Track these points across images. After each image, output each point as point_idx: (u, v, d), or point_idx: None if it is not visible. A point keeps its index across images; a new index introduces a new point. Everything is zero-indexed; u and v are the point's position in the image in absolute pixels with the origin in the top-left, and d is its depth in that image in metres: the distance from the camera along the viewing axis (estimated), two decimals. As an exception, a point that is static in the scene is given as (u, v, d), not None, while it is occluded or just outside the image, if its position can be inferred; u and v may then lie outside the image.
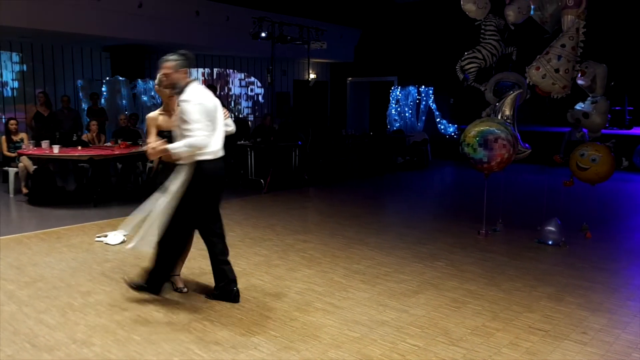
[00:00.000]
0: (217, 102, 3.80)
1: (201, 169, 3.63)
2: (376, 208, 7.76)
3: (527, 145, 6.27)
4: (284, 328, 3.47)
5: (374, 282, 4.38)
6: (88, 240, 5.63)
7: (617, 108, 11.43)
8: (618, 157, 6.04)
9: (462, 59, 6.23)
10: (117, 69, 11.83)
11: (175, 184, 3.62)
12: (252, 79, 15.12)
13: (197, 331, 3.43)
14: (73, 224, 6.33)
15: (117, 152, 7.65)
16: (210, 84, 10.80)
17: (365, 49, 15.55)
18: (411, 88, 14.09)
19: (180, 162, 3.62)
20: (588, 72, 5.78)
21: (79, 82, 11.48)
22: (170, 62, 3.64)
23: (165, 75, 3.66)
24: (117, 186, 8.74)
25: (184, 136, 3.55)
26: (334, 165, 11.57)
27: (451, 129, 13.73)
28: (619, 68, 9.77)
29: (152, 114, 4.03)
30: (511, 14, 6.05)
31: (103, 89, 11.36)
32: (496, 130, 5.58)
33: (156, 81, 3.87)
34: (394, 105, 14.32)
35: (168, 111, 3.95)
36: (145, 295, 4.04)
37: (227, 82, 14.71)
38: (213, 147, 3.67)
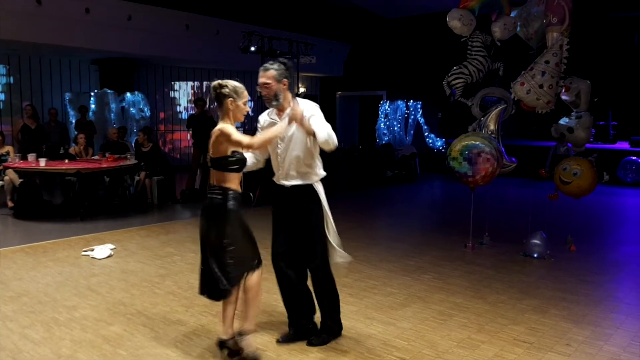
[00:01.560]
0: None
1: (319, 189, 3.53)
2: (365, 221, 7.79)
3: (513, 159, 6.36)
4: (270, 343, 3.47)
5: (361, 296, 4.39)
6: (74, 255, 5.59)
7: (601, 123, 11.64)
8: (600, 171, 6.14)
9: (449, 74, 6.32)
10: (105, 81, 11.84)
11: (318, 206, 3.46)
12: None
13: (184, 345, 3.42)
14: (59, 238, 6.28)
15: (104, 166, 7.63)
16: (199, 97, 10.82)
17: (355, 63, 15.71)
18: (400, 102, 14.23)
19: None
20: (572, 88, 5.90)
21: (67, 95, 11.45)
22: (271, 70, 3.22)
23: (266, 85, 3.22)
24: (104, 200, 8.69)
25: (293, 154, 3.32)
26: (323, 179, 11.58)
27: (439, 143, 13.86)
28: (602, 84, 10.00)
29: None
30: (497, 31, 6.17)
31: (91, 101, 11.34)
32: (480, 145, 5.66)
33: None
34: (382, 119, 14.44)
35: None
36: (132, 310, 4.02)
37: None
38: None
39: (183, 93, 14.14)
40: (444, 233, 6.80)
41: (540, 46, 6.12)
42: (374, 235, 6.99)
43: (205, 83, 14.40)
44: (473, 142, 5.73)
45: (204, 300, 3.96)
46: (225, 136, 3.02)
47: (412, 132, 14.19)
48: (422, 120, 14.14)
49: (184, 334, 3.59)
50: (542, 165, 9.72)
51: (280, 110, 3.33)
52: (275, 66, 3.23)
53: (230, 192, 3.10)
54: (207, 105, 10.75)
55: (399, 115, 14.29)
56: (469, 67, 6.17)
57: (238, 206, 3.12)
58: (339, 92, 16.57)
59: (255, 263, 3.17)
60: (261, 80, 3.23)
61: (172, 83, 13.79)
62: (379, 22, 14.86)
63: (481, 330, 3.68)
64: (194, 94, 14.04)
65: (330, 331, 3.48)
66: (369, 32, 15.20)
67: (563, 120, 5.96)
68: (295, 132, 3.27)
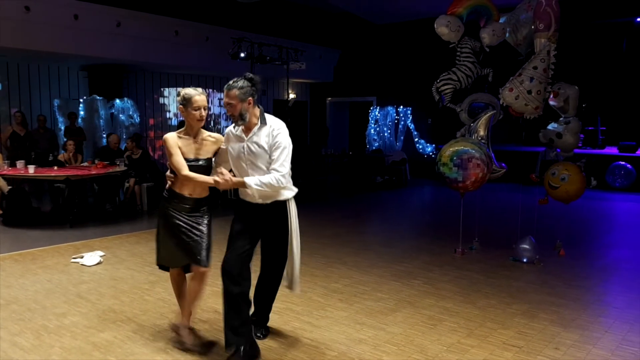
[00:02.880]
0: None
1: (290, 208, 3.43)
2: (355, 227, 7.81)
3: (503, 164, 6.42)
4: (261, 348, 3.46)
5: (352, 301, 4.40)
6: (64, 262, 5.55)
7: (590, 128, 11.77)
8: (589, 177, 6.20)
9: (438, 80, 6.37)
10: (94, 88, 11.78)
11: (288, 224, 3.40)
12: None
13: (174, 352, 3.40)
14: (48, 245, 6.24)
15: (94, 172, 7.58)
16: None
17: (345, 69, 15.77)
18: (390, 108, 14.30)
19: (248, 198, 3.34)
20: (560, 94, 5.97)
21: (56, 101, 11.38)
22: (234, 90, 3.17)
23: (230, 104, 3.19)
24: (94, 207, 8.64)
25: (257, 169, 3.24)
26: (314, 185, 11.61)
27: (429, 149, 13.93)
28: (591, 90, 10.12)
29: (171, 135, 3.39)
30: (486, 37, 6.23)
31: (80, 108, 11.28)
32: (470, 150, 5.71)
33: (179, 99, 3.41)
34: (373, 125, 14.50)
35: (190, 135, 3.38)
36: (122, 317, 4.00)
37: (207, 102, 14.73)
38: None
39: (173, 99, 14.11)
40: (434, 238, 6.84)
41: (529, 52, 6.19)
42: (365, 240, 7.00)
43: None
44: (463, 147, 5.78)
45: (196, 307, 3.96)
46: (167, 150, 3.32)
47: (402, 137, 14.25)
48: (412, 126, 14.21)
49: (174, 341, 3.57)
50: (532, 171, 9.81)
51: (248, 128, 3.27)
52: (239, 84, 3.17)
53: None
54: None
55: (389, 121, 14.36)
56: (458, 73, 6.22)
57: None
58: (329, 98, 16.61)
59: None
60: (225, 100, 3.21)
61: (162, 89, 13.76)
62: (368, 28, 14.95)
63: (470, 335, 3.70)
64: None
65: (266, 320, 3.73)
66: (359, 38, 15.28)
67: (551, 126, 6.02)
68: (250, 147, 3.24)
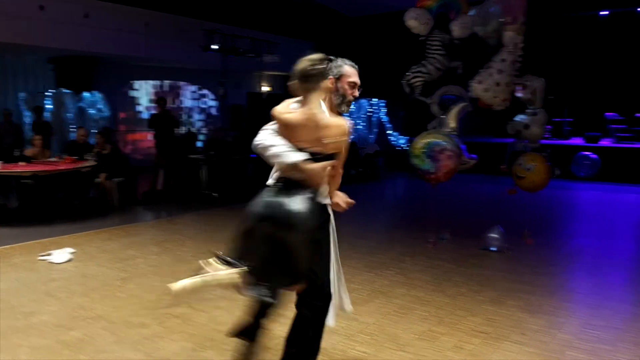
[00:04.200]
0: None
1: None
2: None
3: (474, 155, 6.52)
4: (235, 341, 3.47)
5: (325, 293, 4.43)
6: (31, 259, 5.43)
7: (557, 119, 12.04)
8: (555, 166, 6.37)
9: (408, 72, 6.43)
10: (62, 81, 11.51)
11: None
12: (205, 91, 15.02)
13: (147, 349, 3.39)
14: (15, 243, 6.09)
15: (62, 168, 7.43)
16: (160, 97, 10.66)
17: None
18: (363, 101, 14.36)
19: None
20: (528, 86, 6.09)
21: (21, 94, 11.09)
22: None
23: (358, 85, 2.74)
24: (62, 203, 8.47)
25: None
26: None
27: (402, 141, 14.06)
28: (558, 82, 10.35)
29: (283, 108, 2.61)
30: (456, 29, 6.29)
31: (47, 102, 11.02)
32: (442, 142, 5.79)
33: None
34: (346, 118, 14.55)
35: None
36: (92, 314, 3.96)
37: (179, 95, 14.56)
38: None
39: (144, 92, 13.90)
40: (407, 229, 6.93)
41: (498, 45, 6.28)
42: (338, 233, 7.02)
43: (166, 82, 14.18)
44: (434, 139, 5.86)
45: (167, 302, 3.93)
46: (343, 142, 2.56)
47: (375, 130, 14.34)
48: (385, 119, 14.31)
49: (146, 337, 3.56)
50: (502, 162, 9.98)
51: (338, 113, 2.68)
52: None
53: None
54: (168, 105, 10.61)
55: (363, 114, 14.42)
56: (428, 65, 6.28)
57: None
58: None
59: None
60: (356, 80, 2.76)
61: (132, 82, 13.53)
62: (342, 20, 14.95)
63: (441, 323, 3.78)
64: (156, 92, 13.80)
65: None
66: (332, 30, 15.26)
67: (519, 117, 6.15)
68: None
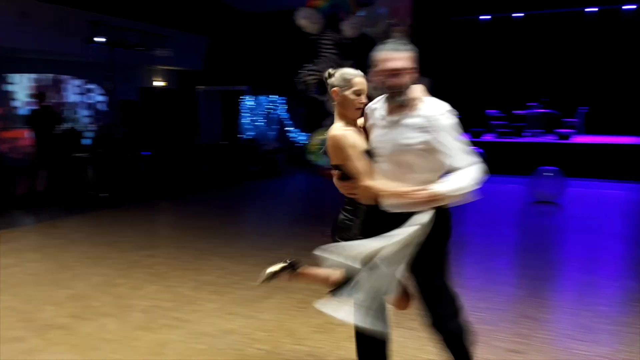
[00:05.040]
0: None
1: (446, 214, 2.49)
2: (229, 218, 7.71)
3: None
4: (124, 349, 3.29)
5: (223, 292, 4.35)
6: None
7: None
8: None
9: (303, 71, 6.50)
10: None
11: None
12: (92, 85, 14.07)
13: (22, 364, 3.10)
14: None
15: None
16: (40, 92, 9.82)
17: (215, 57, 15.40)
18: (262, 97, 14.29)
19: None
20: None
21: None
22: (405, 51, 2.32)
23: (401, 71, 2.30)
24: None
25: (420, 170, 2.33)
26: (186, 176, 11.25)
27: (301, 138, 14.19)
28: (444, 82, 11.00)
29: (341, 132, 2.45)
30: (347, 29, 6.47)
31: None
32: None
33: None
34: (246, 114, 14.40)
35: (354, 126, 2.53)
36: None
37: (61, 89, 13.50)
38: None
39: (21, 86, 12.71)
40: (307, 224, 6.99)
41: (387, 45, 6.54)
42: (239, 230, 6.95)
43: (48, 75, 13.08)
44: (329, 135, 5.97)
45: (50, 313, 3.65)
46: (344, 152, 2.43)
47: (275, 127, 14.34)
48: (285, 115, 14.36)
49: (24, 352, 3.25)
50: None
51: (398, 108, 2.34)
52: (409, 46, 2.33)
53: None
54: (48, 100, 9.80)
55: (262, 110, 14.37)
56: (321, 64, 6.39)
57: None
58: (200, 87, 16.14)
59: None
60: (394, 64, 2.28)
61: (8, 75, 12.32)
62: (237, 15, 14.74)
63: (338, 314, 3.85)
64: (35, 87, 12.68)
65: None
66: (228, 26, 15.01)
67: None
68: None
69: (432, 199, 2.18)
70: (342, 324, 3.64)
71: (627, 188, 9.48)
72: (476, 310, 3.97)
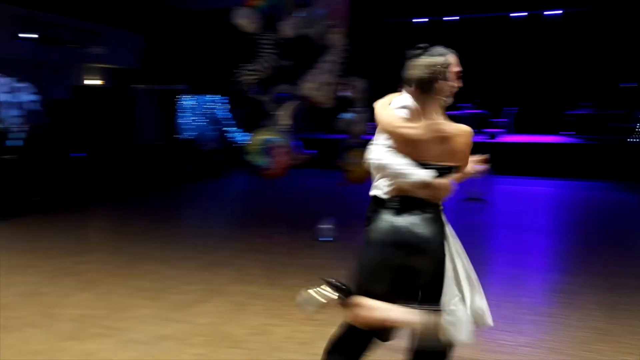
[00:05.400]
0: None
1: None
2: (166, 220, 7.53)
3: (310, 151, 6.78)
4: (50, 361, 3.16)
5: (157, 297, 4.25)
6: None
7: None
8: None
9: (242, 70, 6.45)
10: None
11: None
12: (20, 84, 13.34)
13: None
14: None
15: None
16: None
17: (152, 55, 14.99)
18: (203, 97, 14.06)
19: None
20: (352, 86, 6.52)
21: None
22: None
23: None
24: None
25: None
26: (122, 178, 10.89)
27: (242, 138, 14.07)
28: (382, 83, 11.21)
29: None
30: (286, 29, 6.46)
31: None
32: (276, 139, 5.92)
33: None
34: (186, 114, 14.12)
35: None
36: None
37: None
38: None
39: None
40: (246, 226, 6.96)
41: (325, 46, 6.60)
42: (175, 233, 6.80)
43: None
44: (269, 136, 5.97)
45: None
46: (467, 149, 2.31)
47: (216, 127, 14.15)
48: (226, 115, 14.19)
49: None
50: (337, 157, 10.55)
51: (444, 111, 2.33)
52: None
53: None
54: None
55: (203, 110, 14.13)
56: (260, 64, 6.37)
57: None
58: (136, 85, 15.66)
59: None
60: (459, 69, 2.34)
61: None
62: (174, 13, 14.42)
63: (275, 315, 3.86)
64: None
65: None
66: (166, 23, 14.65)
67: (345, 115, 6.55)
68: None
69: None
70: (280, 325, 3.67)
71: (553, 185, 10.05)
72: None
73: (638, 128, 10.61)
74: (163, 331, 3.59)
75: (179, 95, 14.63)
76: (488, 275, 5.10)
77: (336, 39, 6.15)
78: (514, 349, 3.40)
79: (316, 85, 5.95)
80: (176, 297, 4.24)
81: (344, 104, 6.68)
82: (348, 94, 6.58)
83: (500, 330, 3.62)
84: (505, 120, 11.93)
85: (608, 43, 11.53)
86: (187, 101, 14.22)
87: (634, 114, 10.81)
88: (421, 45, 2.36)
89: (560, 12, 11.94)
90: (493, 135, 11.44)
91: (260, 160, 6.04)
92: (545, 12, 12.02)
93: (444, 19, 12.89)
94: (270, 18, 6.59)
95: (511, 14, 12.34)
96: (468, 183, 8.80)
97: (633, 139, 10.46)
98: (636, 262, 5.28)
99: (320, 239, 6.03)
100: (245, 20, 6.06)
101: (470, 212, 7.89)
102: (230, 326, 3.68)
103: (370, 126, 8.38)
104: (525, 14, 12.23)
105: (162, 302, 4.13)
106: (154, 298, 4.23)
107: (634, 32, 11.23)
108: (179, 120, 14.19)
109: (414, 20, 13.14)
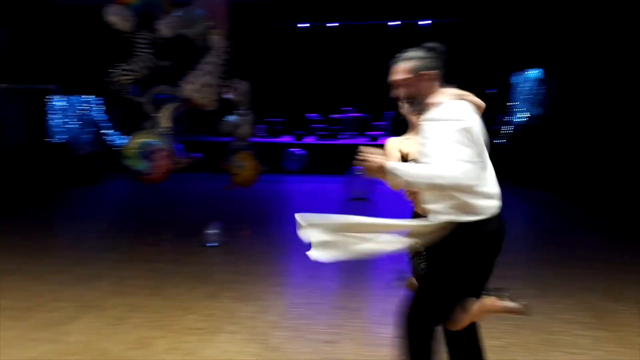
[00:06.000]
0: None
1: (479, 233, 2.28)
2: (34, 232, 6.88)
3: (194, 154, 6.58)
4: None
5: (24, 317, 3.88)
6: None
7: (269, 119, 13.13)
8: (266, 163, 6.93)
9: (117, 70, 6.11)
10: None
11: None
12: None
13: None
14: None
15: None
16: None
17: (16, 52, 13.63)
18: (76, 97, 13.08)
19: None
20: (235, 88, 6.47)
21: None
22: (405, 62, 2.36)
23: (402, 83, 2.37)
24: None
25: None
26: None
27: (120, 141, 13.31)
28: (267, 86, 11.30)
29: (393, 139, 2.96)
30: (162, 29, 6.23)
31: None
32: (155, 142, 5.69)
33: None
34: (57, 116, 13.03)
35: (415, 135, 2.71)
36: None
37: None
38: (492, 191, 2.31)
39: None
40: (126, 234, 6.59)
41: (206, 47, 6.47)
42: (45, 246, 6.22)
43: None
44: (148, 139, 5.72)
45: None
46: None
47: (91, 129, 13.24)
48: (101, 117, 13.34)
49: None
50: (224, 160, 10.38)
51: (418, 115, 2.43)
52: (413, 54, 2.37)
53: None
54: None
55: (76, 112, 13.14)
56: (136, 63, 6.09)
57: None
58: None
59: None
60: (391, 77, 2.42)
61: None
62: (43, 6, 13.27)
63: (155, 327, 3.71)
64: None
65: None
66: (32, 17, 13.42)
67: (229, 118, 6.48)
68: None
69: (378, 169, 2.18)
70: (161, 337, 3.53)
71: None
72: (294, 306, 4.16)
73: (502, 130, 11.71)
74: (30, 353, 3.29)
75: (48, 95, 13.47)
76: (372, 271, 5.34)
77: (217, 40, 6.06)
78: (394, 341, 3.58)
79: (197, 86, 5.81)
80: (45, 315, 3.90)
81: (228, 106, 6.61)
82: (231, 96, 6.52)
83: (383, 325, 3.80)
84: (385, 123, 12.56)
85: (473, 52, 12.59)
86: (58, 102, 13.14)
87: (498, 118, 11.91)
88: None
89: (429, 22, 12.86)
90: (375, 138, 11.99)
91: (140, 165, 5.76)
92: (420, 22, 12.86)
93: (327, 25, 13.27)
94: (146, 16, 6.33)
95: (388, 23, 13.03)
96: (352, 183, 9.09)
97: (498, 140, 11.50)
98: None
99: (206, 244, 5.90)
100: (117, 17, 5.75)
101: (354, 211, 8.20)
102: (106, 342, 3.47)
103: (256, 129, 8.42)
104: (399, 22, 13.00)
105: (30, 321, 3.78)
106: (20, 317, 3.85)
107: (497, 43, 12.37)
108: (49, 123, 13.06)
109: (298, 25, 13.36)
